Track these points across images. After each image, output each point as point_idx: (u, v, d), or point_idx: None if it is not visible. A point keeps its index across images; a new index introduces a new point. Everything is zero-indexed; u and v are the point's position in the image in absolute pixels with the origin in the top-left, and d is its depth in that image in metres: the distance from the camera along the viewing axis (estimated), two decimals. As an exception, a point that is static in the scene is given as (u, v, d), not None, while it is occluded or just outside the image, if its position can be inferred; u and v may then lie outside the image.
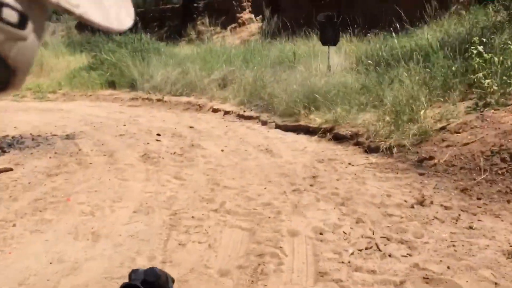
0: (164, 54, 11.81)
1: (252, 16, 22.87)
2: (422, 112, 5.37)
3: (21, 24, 0.36)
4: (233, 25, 22.85)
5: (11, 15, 0.35)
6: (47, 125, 7.36)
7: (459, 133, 4.73)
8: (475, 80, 5.73)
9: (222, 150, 5.54)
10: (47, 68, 13.96)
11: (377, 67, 7.03)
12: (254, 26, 22.70)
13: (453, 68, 6.07)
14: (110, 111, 8.56)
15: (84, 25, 26.49)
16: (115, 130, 6.83)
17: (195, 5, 23.70)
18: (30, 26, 0.37)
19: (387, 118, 5.51)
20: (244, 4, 22.94)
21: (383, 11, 14.67)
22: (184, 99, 8.92)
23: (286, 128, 6.43)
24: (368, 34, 12.11)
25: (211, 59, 11.39)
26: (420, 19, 12.50)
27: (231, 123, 7.08)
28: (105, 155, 5.50)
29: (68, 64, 14.59)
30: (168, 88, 9.69)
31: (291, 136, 6.15)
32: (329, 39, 8.81)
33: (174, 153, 5.48)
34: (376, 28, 12.79)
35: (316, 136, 5.94)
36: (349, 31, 13.33)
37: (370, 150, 5.16)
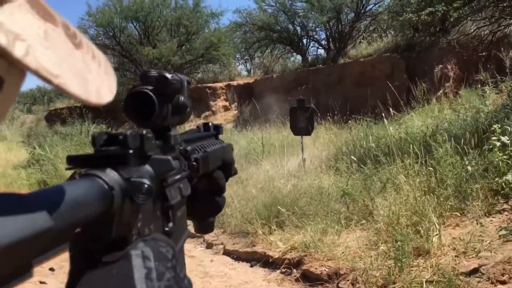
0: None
1: (227, 103, 21.75)
2: (435, 238, 3.51)
3: None
4: (206, 113, 21.60)
5: None
6: None
7: (504, 283, 2.83)
8: (504, 184, 3.97)
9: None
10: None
11: (362, 165, 5.26)
12: (229, 114, 21.46)
13: (469, 168, 4.31)
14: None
15: (52, 116, 25.15)
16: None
17: (166, 92, 22.61)
18: (4, 91, 0.34)
19: (382, 247, 3.62)
20: (219, 91, 21.90)
21: (364, 96, 13.45)
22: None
23: (237, 256, 4.46)
24: (349, 121, 10.64)
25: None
26: (405, 104, 11.14)
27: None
28: None
29: (18, 159, 12.70)
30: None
31: (241, 270, 4.17)
32: (301, 128, 7.18)
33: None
34: (358, 114, 11.42)
35: (277, 272, 3.97)
36: (329, 117, 11.96)
37: (360, 305, 3.20)
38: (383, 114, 9.66)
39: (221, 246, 4.73)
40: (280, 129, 11.93)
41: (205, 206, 0.70)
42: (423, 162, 4.89)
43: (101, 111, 23.57)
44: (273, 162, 7.00)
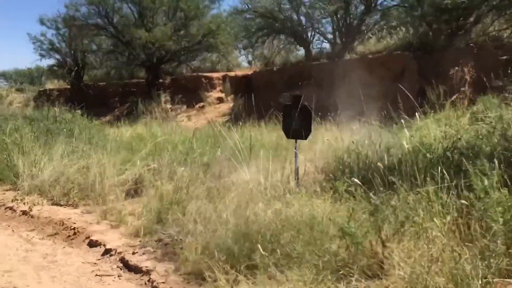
0: (78, 137, 8.71)
1: (223, 95, 20.41)
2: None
3: None
4: (200, 104, 20.25)
5: None
6: None
7: None
8: None
9: None
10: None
11: (368, 188, 3.94)
12: (225, 107, 20.09)
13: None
14: None
15: (41, 97, 23.78)
16: None
17: (160, 80, 21.23)
18: None
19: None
20: (215, 82, 20.54)
21: (371, 96, 12.11)
22: (60, 213, 5.67)
23: (187, 312, 3.16)
24: (353, 125, 9.33)
25: (139, 147, 8.38)
26: (414, 108, 9.81)
27: (96, 283, 3.79)
28: None
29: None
30: (56, 190, 6.48)
31: None
32: (296, 131, 5.89)
33: None
34: (363, 116, 10.12)
35: None
36: (330, 118, 10.68)
37: None
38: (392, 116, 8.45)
39: (169, 293, 3.42)
40: (276, 128, 10.72)
41: None
42: (452, 189, 3.58)
43: (86, 95, 22.20)
44: (259, 170, 5.69)
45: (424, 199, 3.51)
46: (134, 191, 6.21)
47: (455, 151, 5.20)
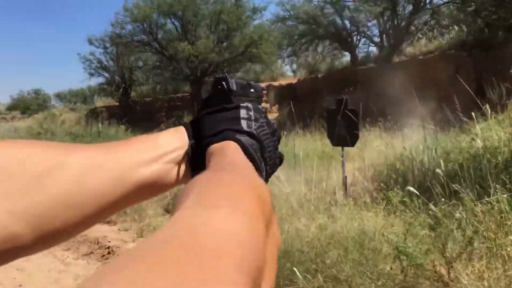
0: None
1: (267, 105, 20.10)
2: None
3: None
4: (245, 115, 20.03)
5: None
6: None
7: None
8: None
9: None
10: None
11: (426, 197, 3.42)
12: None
13: None
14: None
15: (92, 115, 24.51)
16: None
17: (205, 93, 21.24)
18: None
19: None
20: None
21: (423, 99, 11.39)
22: (97, 231, 5.45)
23: None
24: (404, 129, 8.72)
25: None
26: (472, 109, 9.05)
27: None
28: None
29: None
30: (95, 206, 6.33)
31: None
32: (342, 137, 5.43)
33: None
34: (415, 120, 9.46)
35: None
36: (380, 123, 10.12)
37: None
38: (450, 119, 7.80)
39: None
40: (321, 136, 10.38)
41: None
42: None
43: (134, 111, 22.54)
44: (302, 181, 5.26)
45: (496, 210, 2.97)
46: (173, 206, 5.95)
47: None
